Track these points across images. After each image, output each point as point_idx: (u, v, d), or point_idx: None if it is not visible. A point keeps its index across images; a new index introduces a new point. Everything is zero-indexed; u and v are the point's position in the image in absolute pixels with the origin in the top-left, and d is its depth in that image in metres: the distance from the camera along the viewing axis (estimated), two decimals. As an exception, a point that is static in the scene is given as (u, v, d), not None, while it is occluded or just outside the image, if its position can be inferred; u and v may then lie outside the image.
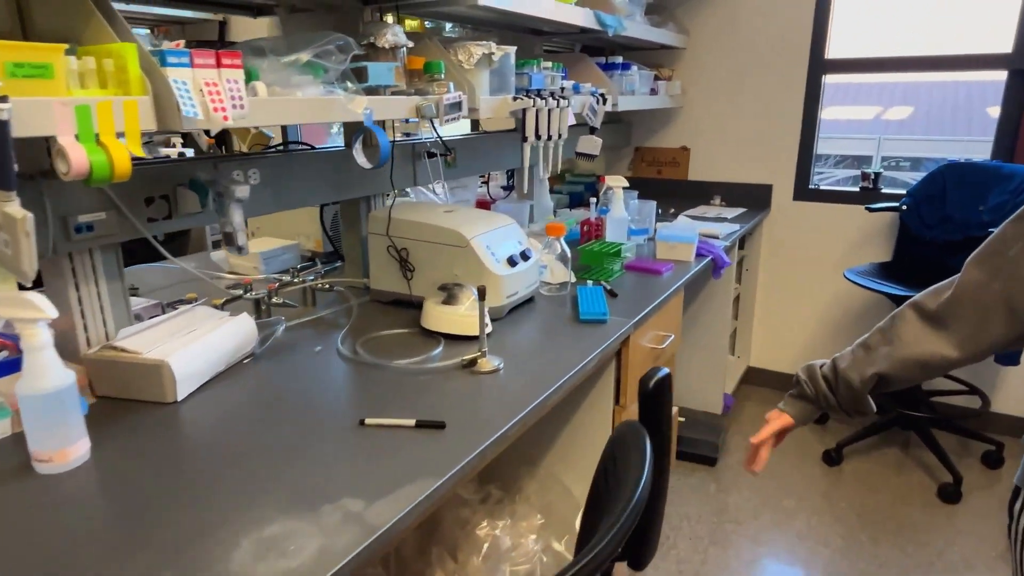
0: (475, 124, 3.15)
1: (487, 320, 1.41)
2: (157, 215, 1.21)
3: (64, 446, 0.91)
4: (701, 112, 3.08)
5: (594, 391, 1.62)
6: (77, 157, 0.81)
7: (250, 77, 1.15)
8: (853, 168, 6.92)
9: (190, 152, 2.35)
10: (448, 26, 2.35)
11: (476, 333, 1.41)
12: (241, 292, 1.51)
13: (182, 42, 1.38)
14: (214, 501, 0.85)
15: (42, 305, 0.86)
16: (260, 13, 1.66)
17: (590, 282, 1.73)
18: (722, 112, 3.03)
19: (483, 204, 2.43)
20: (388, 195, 1.89)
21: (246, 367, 1.26)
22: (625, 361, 1.57)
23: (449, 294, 1.44)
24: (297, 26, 1.62)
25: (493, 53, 1.60)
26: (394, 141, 1.76)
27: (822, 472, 2.54)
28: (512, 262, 1.52)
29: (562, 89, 1.89)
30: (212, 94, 0.97)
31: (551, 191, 3.15)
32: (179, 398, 1.11)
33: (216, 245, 2.36)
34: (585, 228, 2.24)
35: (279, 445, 0.98)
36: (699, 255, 2.11)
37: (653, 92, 2.76)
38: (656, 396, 0.90)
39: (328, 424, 1.04)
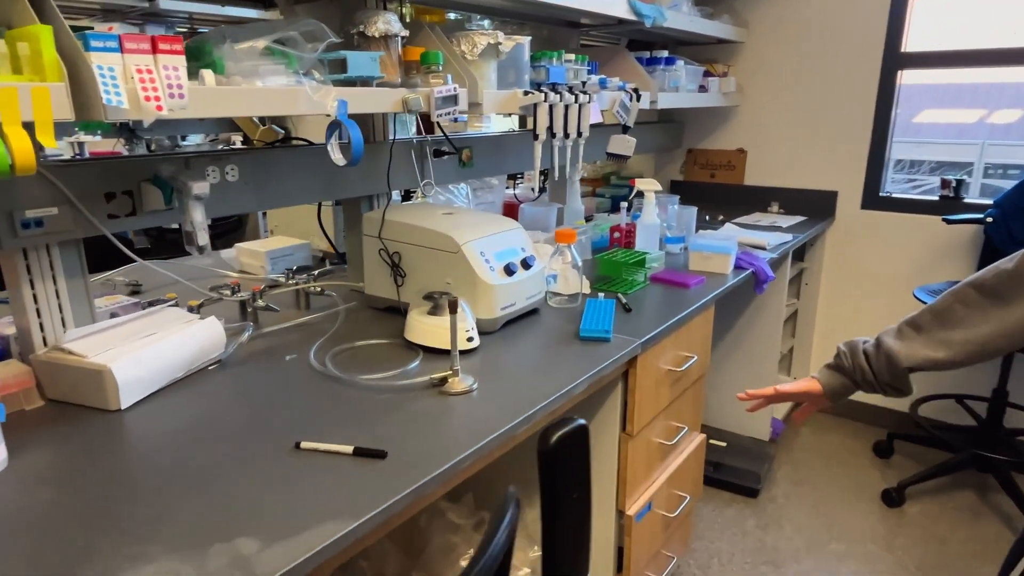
0: (523, 121, 3.03)
1: (471, 334, 1.29)
2: (119, 212, 1.16)
3: (-29, 456, 0.85)
4: (760, 111, 2.84)
5: (599, 416, 1.46)
6: (-33, 148, 0.74)
7: (215, 66, 1.07)
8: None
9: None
10: (485, 21, 2.24)
11: (462, 347, 1.29)
12: (228, 293, 1.45)
13: (115, 25, 1.33)
14: (104, 527, 0.76)
15: (-56, 306, 0.80)
16: (268, 6, 1.60)
17: (601, 295, 1.58)
18: (783, 111, 2.78)
19: (509, 206, 2.31)
20: (409, 194, 1.80)
21: (209, 375, 1.19)
22: (633, 384, 1.41)
23: (435, 304, 1.33)
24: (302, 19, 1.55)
25: (500, 43, 1.48)
26: (394, 139, 1.67)
27: (880, 514, 2.27)
28: (509, 271, 1.39)
29: (583, 84, 1.74)
30: (145, 82, 0.90)
31: (593, 194, 3.00)
32: (122, 406, 1.05)
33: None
34: (615, 235, 2.08)
35: (204, 467, 0.89)
36: (738, 267, 1.91)
37: (703, 89, 2.56)
38: (560, 457, 0.72)
39: (264, 445, 0.95)
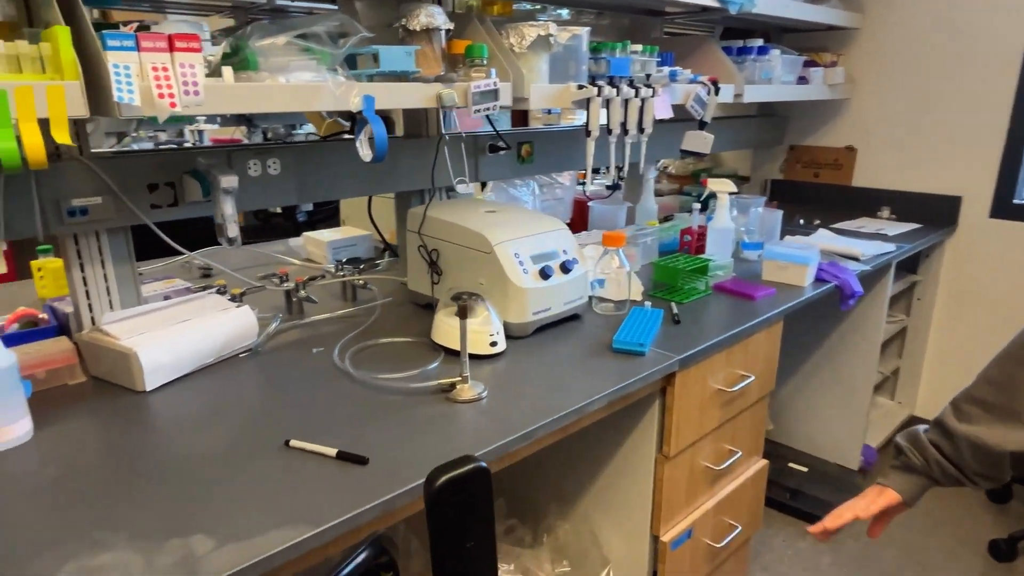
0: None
1: (495, 339, 1.25)
2: (161, 202, 1.22)
3: (-3, 427, 0.92)
4: (873, 105, 2.56)
5: (635, 434, 1.37)
6: (-19, 143, 0.79)
7: (248, 62, 1.10)
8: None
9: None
10: (562, 11, 2.17)
11: (485, 352, 1.25)
12: (276, 282, 1.49)
13: (135, 25, 1.38)
14: (85, 508, 0.80)
15: (-28, 288, 0.87)
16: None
17: (648, 303, 1.47)
18: (900, 106, 2.49)
19: (579, 203, 2.23)
20: (454, 188, 1.79)
21: (239, 362, 1.23)
22: (670, 403, 1.30)
23: (464, 305, 1.29)
24: (365, 13, 1.56)
25: (551, 35, 1.41)
26: (446, 133, 1.64)
27: (983, 567, 1.99)
28: (545, 274, 1.33)
29: (648, 76, 1.63)
30: (160, 79, 0.92)
31: (679, 192, 2.84)
32: (147, 388, 1.10)
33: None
34: (685, 238, 1.95)
35: (197, 456, 0.92)
36: (820, 279, 1.73)
37: (803, 81, 2.33)
38: (449, 502, 0.62)
39: (258, 439, 0.96)
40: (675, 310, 1.48)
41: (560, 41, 1.48)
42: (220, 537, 0.75)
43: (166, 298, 1.40)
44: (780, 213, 2.05)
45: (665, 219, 2.44)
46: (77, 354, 1.15)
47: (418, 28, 1.29)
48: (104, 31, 0.89)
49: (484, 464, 0.62)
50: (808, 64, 2.37)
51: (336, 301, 1.56)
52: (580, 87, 1.47)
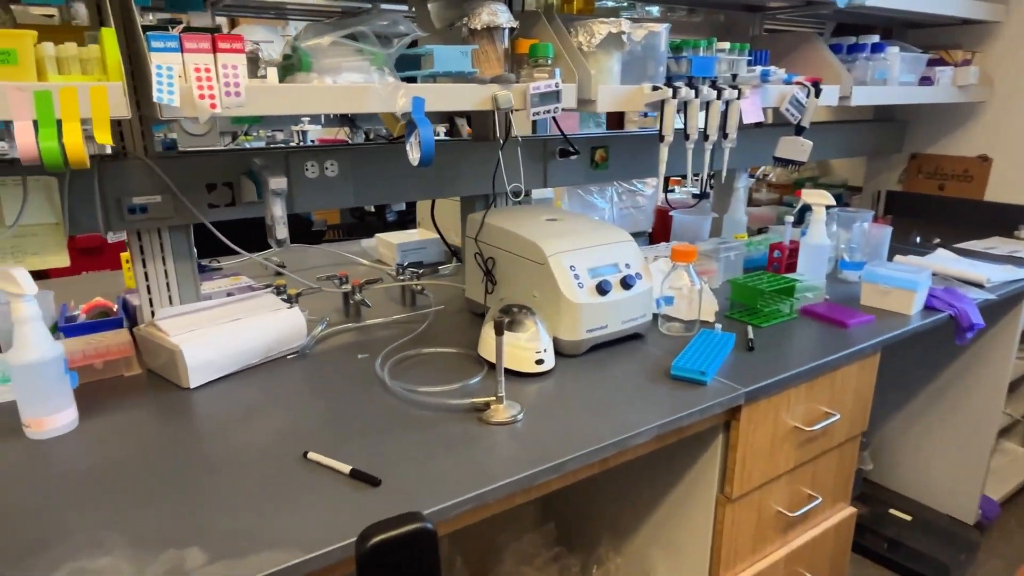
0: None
1: (541, 356, 1.17)
2: (219, 202, 1.23)
3: (41, 415, 0.95)
4: (1014, 110, 2.24)
5: (694, 470, 1.25)
6: (24, 143, 0.81)
7: (302, 62, 1.09)
8: None
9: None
10: (653, 8, 2.06)
11: (529, 370, 1.18)
12: (337, 284, 1.49)
13: (181, 27, 1.39)
14: (97, 510, 0.80)
15: (22, 281, 0.91)
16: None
17: (719, 326, 1.34)
18: (1049, 110, 2.16)
19: (661, 213, 2.09)
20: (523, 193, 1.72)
21: (284, 364, 1.23)
22: (735, 440, 1.17)
23: (512, 319, 1.23)
24: (437, 13, 1.53)
25: (624, 32, 1.31)
26: (510, 136, 1.57)
27: None
28: (602, 289, 1.24)
29: (734, 77, 1.49)
30: (201, 80, 0.92)
31: (779, 202, 2.63)
32: (191, 385, 1.11)
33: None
34: (775, 254, 1.78)
35: (216, 460, 0.91)
36: (931, 308, 1.52)
37: (926, 81, 2.08)
38: (382, 566, 0.54)
39: (281, 447, 0.94)
40: (751, 335, 1.34)
41: (635, 39, 1.38)
42: (214, 553, 0.73)
43: (229, 295, 1.43)
44: (888, 230, 1.83)
45: (759, 231, 2.26)
46: (134, 347, 1.19)
47: (479, 27, 1.24)
48: (150, 32, 0.90)
49: (430, 525, 0.55)
50: (934, 63, 2.11)
51: (394, 305, 1.54)
52: (655, 88, 1.36)
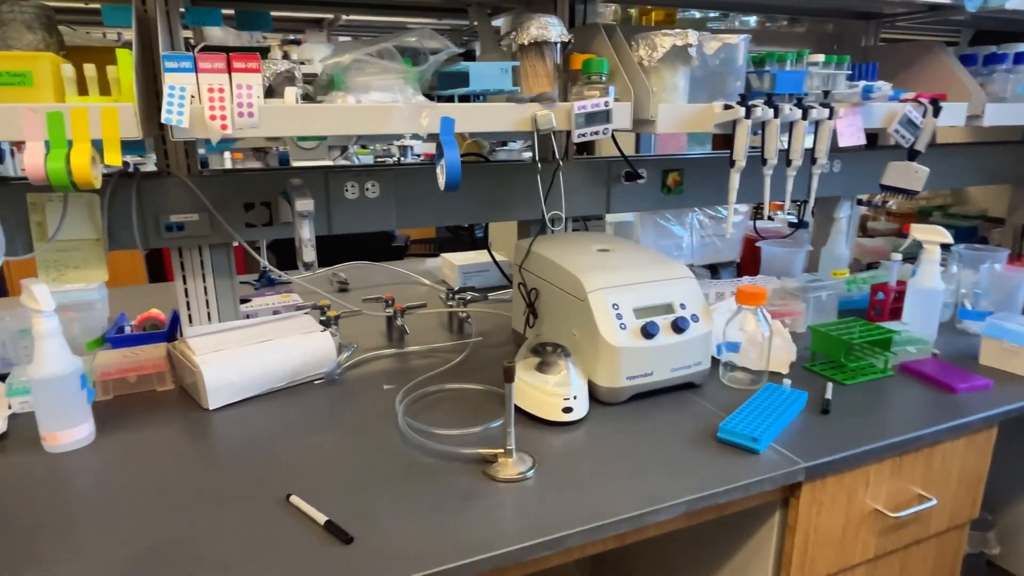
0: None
1: (570, 404, 1.05)
2: (256, 221, 1.22)
3: (55, 430, 0.97)
4: None
5: (747, 549, 1.08)
6: (32, 163, 0.82)
7: (334, 81, 1.05)
8: None
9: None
10: (750, 19, 1.88)
11: (556, 418, 1.06)
12: (383, 306, 1.45)
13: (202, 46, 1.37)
14: (53, 541, 0.78)
15: (40, 298, 0.92)
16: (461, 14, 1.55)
17: (788, 381, 1.15)
18: None
19: (749, 242, 1.89)
20: (586, 218, 1.61)
21: (309, 389, 1.19)
22: (794, 521, 0.99)
23: (543, 359, 1.12)
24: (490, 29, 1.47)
25: (691, 44, 1.17)
26: (569, 157, 1.46)
27: None
28: (648, 332, 1.10)
29: (826, 94, 1.30)
30: (214, 100, 0.90)
31: (899, 234, 2.32)
32: (210, 407, 1.10)
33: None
34: (878, 296, 1.54)
35: (202, 491, 0.87)
36: (1073, 375, 1.24)
37: (1087, 98, 1.74)
38: None
39: (268, 485, 0.89)
40: (828, 394, 1.14)
41: (707, 52, 1.23)
42: (157, 604, 0.68)
43: (275, 312, 1.43)
44: (1022, 274, 1.53)
45: (869, 267, 2.00)
46: (169, 362, 1.20)
47: (527, 41, 1.15)
48: (167, 53, 0.89)
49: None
50: (1100, 75, 1.76)
51: (440, 332, 1.47)
52: (727, 107, 1.20)
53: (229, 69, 0.91)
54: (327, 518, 0.80)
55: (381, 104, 0.99)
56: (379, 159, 4.67)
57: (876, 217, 2.45)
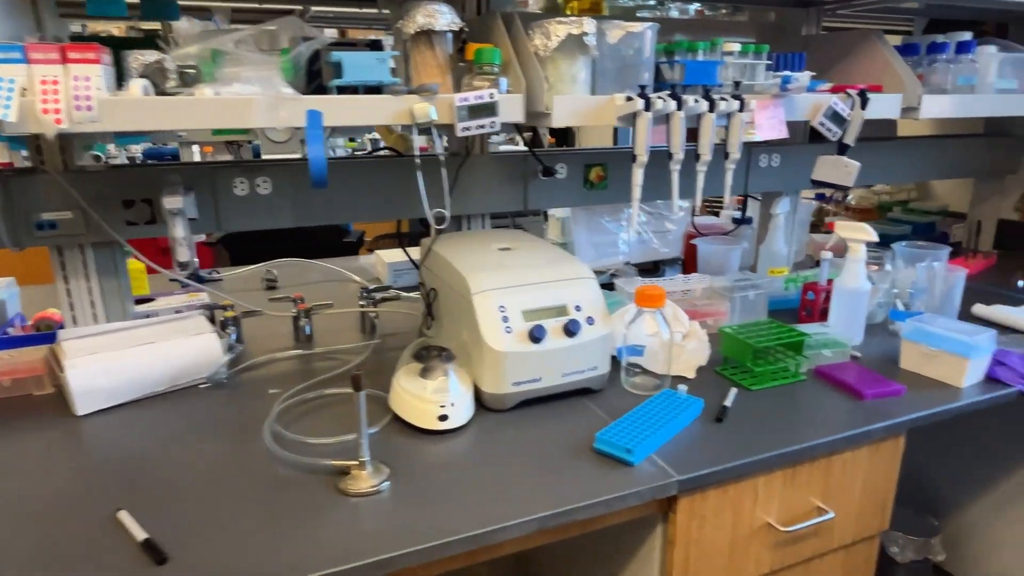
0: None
1: (446, 412, 1.00)
2: (138, 219, 1.18)
3: (-102, 438, 0.92)
4: None
5: (634, 562, 1.03)
6: None
7: (202, 72, 1.00)
8: None
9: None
10: (690, 6, 1.82)
11: (430, 426, 1.01)
12: (292, 307, 1.40)
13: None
14: None
15: None
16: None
17: (683, 387, 1.10)
18: None
19: (689, 238, 1.83)
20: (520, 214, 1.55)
21: (194, 393, 1.15)
22: (673, 536, 0.94)
23: (426, 364, 1.07)
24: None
25: (586, 33, 1.12)
26: (471, 153, 1.41)
27: None
28: (535, 336, 1.05)
29: (737, 85, 1.24)
30: (47, 93, 0.85)
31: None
32: (79, 412, 1.06)
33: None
34: (808, 296, 1.49)
35: (35, 505, 0.83)
36: (993, 379, 1.18)
37: (1036, 88, 1.67)
38: None
39: (103, 499, 0.85)
40: (728, 401, 1.09)
41: (611, 41, 1.17)
42: (-69, 631, 0.64)
43: (177, 312, 1.39)
44: (962, 274, 1.47)
45: (817, 264, 1.93)
46: (47, 365, 1.15)
47: (413, 31, 1.10)
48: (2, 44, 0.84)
49: None
50: (1051, 65, 1.69)
51: (349, 333, 1.42)
52: (628, 99, 1.15)
53: (64, 59, 0.86)
54: (147, 536, 0.76)
55: (239, 97, 0.94)
56: (357, 153, 4.61)
57: (837, 212, 2.39)
